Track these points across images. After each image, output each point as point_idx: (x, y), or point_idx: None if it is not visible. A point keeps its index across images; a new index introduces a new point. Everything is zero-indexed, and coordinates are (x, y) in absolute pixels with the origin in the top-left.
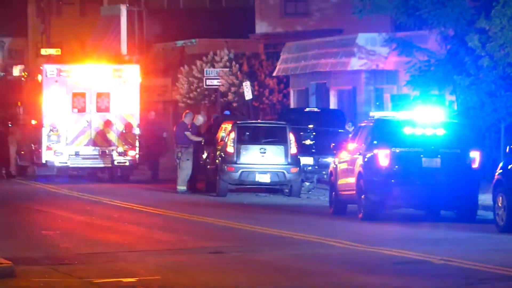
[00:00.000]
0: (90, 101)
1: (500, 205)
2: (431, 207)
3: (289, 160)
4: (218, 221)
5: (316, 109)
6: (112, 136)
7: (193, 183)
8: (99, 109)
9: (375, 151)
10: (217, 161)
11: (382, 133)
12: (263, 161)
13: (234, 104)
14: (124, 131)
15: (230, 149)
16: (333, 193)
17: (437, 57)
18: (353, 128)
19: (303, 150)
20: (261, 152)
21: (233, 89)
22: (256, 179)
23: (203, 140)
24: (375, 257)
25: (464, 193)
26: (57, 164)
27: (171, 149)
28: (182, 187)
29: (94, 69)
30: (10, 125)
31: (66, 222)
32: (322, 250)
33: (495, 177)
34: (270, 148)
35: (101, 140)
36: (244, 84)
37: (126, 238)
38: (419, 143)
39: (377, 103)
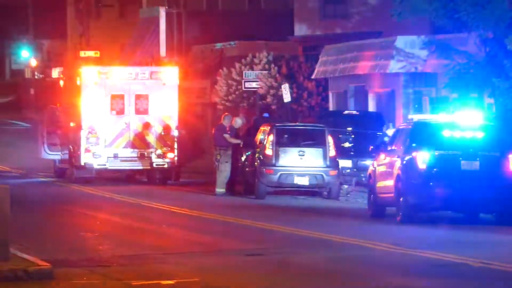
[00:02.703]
0: (128, 103)
1: None
2: (469, 210)
3: (328, 162)
4: (256, 223)
5: (355, 112)
6: (151, 138)
7: (232, 185)
8: (137, 111)
9: (414, 153)
10: (255, 163)
11: (421, 136)
12: (301, 164)
13: (273, 107)
14: (162, 133)
15: (269, 151)
16: (372, 195)
17: (476, 60)
18: (394, 130)
19: (342, 152)
20: (299, 155)
21: (271, 91)
22: (295, 182)
23: (242, 143)
24: (413, 260)
25: (503, 196)
26: (95, 166)
27: (209, 151)
28: (220, 189)
29: (133, 71)
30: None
31: (104, 224)
32: (361, 253)
33: None
34: (308, 151)
35: (139, 142)
36: (283, 86)
37: (165, 240)
38: (458, 146)
39: (416, 105)
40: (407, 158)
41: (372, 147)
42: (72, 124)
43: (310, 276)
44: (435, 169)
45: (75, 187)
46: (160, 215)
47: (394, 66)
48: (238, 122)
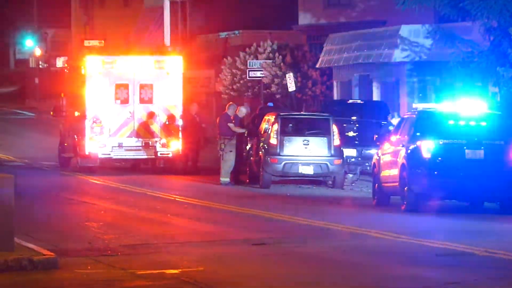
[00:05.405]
0: (133, 92)
1: None
2: (474, 199)
3: (332, 151)
4: (261, 212)
5: (359, 101)
6: (155, 127)
7: (236, 174)
8: (142, 101)
9: (418, 143)
10: (260, 152)
11: (426, 125)
12: (306, 153)
13: (277, 96)
14: (167, 123)
15: (274, 140)
16: (376, 184)
17: (480, 49)
18: (398, 119)
19: (346, 141)
20: (304, 144)
21: (276, 80)
22: (299, 171)
23: (246, 132)
24: (418, 249)
25: (507, 185)
26: (100, 155)
27: (214, 140)
28: (225, 178)
29: (137, 60)
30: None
31: (109, 214)
32: (365, 242)
33: None
34: (313, 140)
35: (144, 131)
36: (287, 75)
37: (169, 229)
38: (462, 134)
39: (420, 94)
40: (411, 147)
41: (376, 136)
42: (76, 114)
43: (315, 265)
44: (439, 158)
45: (80, 177)
46: (164, 204)
47: (398, 55)
48: (242, 111)
